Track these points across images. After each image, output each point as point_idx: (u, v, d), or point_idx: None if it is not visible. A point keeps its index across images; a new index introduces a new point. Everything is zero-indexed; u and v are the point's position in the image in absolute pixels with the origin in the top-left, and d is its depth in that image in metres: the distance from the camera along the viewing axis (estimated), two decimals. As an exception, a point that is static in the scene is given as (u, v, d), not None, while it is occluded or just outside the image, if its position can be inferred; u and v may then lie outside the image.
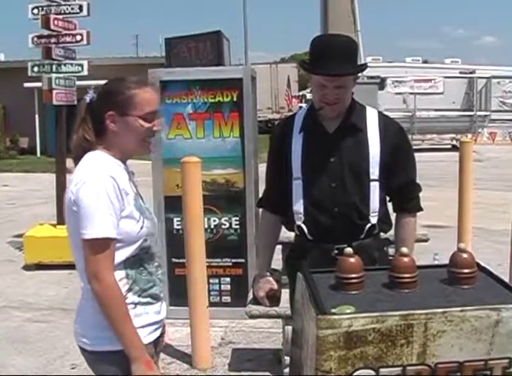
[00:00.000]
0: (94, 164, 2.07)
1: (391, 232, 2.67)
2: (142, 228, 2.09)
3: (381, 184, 2.52)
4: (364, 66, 2.72)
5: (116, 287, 2.01)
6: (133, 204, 2.09)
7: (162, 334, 2.28)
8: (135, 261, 2.10)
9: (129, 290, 2.08)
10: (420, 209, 2.66)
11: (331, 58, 2.42)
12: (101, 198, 1.98)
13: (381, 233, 2.63)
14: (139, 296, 2.10)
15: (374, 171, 2.50)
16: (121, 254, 2.06)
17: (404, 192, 2.61)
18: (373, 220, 2.52)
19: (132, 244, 2.08)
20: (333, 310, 1.81)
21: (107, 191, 2.00)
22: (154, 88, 2.20)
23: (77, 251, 2.06)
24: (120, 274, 2.06)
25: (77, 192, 2.01)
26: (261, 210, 2.85)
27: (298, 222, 2.57)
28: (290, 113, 3.05)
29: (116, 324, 1.99)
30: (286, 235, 3.31)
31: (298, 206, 2.55)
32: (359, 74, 2.79)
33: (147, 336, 2.11)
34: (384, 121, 2.58)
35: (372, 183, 2.50)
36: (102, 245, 1.99)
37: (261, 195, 2.90)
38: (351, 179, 2.50)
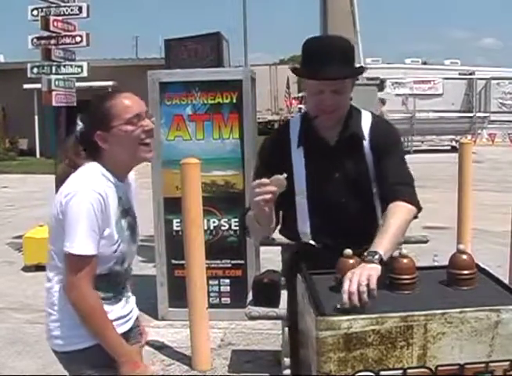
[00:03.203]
0: (86, 178, 2.09)
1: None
2: (115, 251, 2.13)
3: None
4: (362, 69, 2.57)
5: (94, 299, 2.08)
6: (113, 225, 2.11)
7: (132, 328, 2.33)
8: (101, 280, 2.13)
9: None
10: (416, 202, 2.32)
11: (327, 61, 2.26)
12: (87, 214, 2.02)
13: None
14: (102, 293, 2.17)
15: (373, 180, 2.40)
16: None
17: (391, 180, 2.32)
18: (380, 221, 2.44)
19: (102, 264, 2.11)
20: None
21: (94, 208, 2.03)
22: (129, 94, 2.19)
23: (55, 252, 2.14)
24: None
25: (66, 203, 2.04)
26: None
27: (306, 240, 2.44)
28: (292, 116, 2.92)
29: (98, 334, 2.09)
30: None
31: (305, 226, 2.41)
32: (358, 80, 2.65)
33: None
34: (375, 126, 2.43)
35: (375, 191, 2.42)
36: (84, 261, 2.04)
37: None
38: (358, 192, 2.39)
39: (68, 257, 2.05)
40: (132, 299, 2.37)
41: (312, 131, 2.41)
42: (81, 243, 2.02)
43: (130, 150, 2.14)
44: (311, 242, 2.43)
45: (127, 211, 2.22)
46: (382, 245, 2.07)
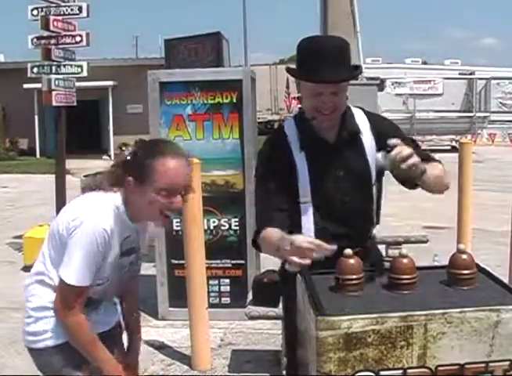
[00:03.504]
0: (99, 209, 2.09)
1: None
2: (99, 285, 2.16)
3: (378, 184, 2.47)
4: (359, 69, 2.52)
5: (82, 324, 2.12)
6: (109, 262, 2.13)
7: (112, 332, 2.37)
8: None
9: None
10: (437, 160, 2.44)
11: (324, 62, 2.22)
12: (91, 247, 2.04)
13: None
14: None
15: (374, 175, 2.42)
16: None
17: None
18: (375, 219, 2.52)
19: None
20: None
21: (98, 243, 2.05)
22: (180, 162, 2.13)
23: (50, 256, 2.16)
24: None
25: (73, 228, 2.05)
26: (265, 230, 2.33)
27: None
28: (283, 120, 2.86)
29: (85, 353, 2.15)
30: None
31: (308, 229, 2.38)
32: (357, 80, 2.64)
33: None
34: (374, 119, 2.46)
35: (373, 187, 2.45)
36: (78, 290, 2.09)
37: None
38: (359, 190, 2.41)
39: (62, 283, 2.09)
40: (111, 308, 2.40)
41: (311, 132, 2.40)
42: (78, 274, 2.06)
43: (149, 212, 2.14)
44: None
45: (132, 250, 2.24)
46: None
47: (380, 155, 2.17)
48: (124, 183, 2.12)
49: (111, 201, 2.13)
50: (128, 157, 2.13)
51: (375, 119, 2.48)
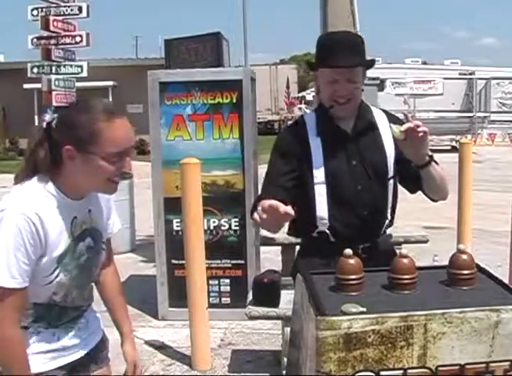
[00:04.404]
0: (21, 198, 1.81)
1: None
2: (51, 282, 1.84)
3: (395, 180, 2.52)
4: (373, 61, 2.60)
5: (12, 342, 1.77)
6: (55, 255, 1.83)
7: (91, 355, 2.08)
8: (41, 309, 1.89)
9: (33, 322, 1.89)
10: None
11: (340, 50, 2.37)
12: (13, 242, 1.73)
13: None
14: (45, 328, 1.92)
15: (391, 170, 2.48)
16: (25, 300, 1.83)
17: None
18: (389, 216, 2.55)
19: (38, 294, 1.85)
20: (342, 307, 1.81)
21: (23, 235, 1.74)
22: (125, 121, 1.86)
23: None
24: (24, 313, 1.85)
25: None
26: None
27: (322, 228, 2.46)
28: (292, 115, 2.98)
29: (6, 370, 1.80)
30: (285, 236, 3.31)
31: (323, 211, 2.43)
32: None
33: (47, 363, 1.92)
34: (393, 119, 2.52)
35: (390, 181, 2.50)
36: (7, 294, 1.74)
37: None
38: (374, 181, 2.46)
39: None
40: (92, 324, 2.09)
41: (329, 121, 2.48)
42: (2, 273, 1.72)
43: (93, 182, 1.87)
44: (326, 231, 2.45)
45: (87, 233, 1.94)
46: None
47: (393, 125, 2.27)
48: (58, 159, 1.83)
49: (35, 187, 1.85)
50: (53, 124, 1.85)
51: (395, 119, 2.53)
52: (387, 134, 2.45)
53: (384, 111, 2.61)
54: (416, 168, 2.37)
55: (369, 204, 2.45)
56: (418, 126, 2.21)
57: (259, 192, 2.62)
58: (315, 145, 2.45)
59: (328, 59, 2.38)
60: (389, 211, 2.54)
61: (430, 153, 2.34)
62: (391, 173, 2.49)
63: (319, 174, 2.43)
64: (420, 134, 2.21)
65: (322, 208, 2.44)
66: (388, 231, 2.60)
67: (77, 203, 1.91)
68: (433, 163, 2.36)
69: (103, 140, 1.79)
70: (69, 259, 1.88)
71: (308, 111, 2.82)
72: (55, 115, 1.87)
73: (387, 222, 2.54)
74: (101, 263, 2.07)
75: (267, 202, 2.05)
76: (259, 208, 2.08)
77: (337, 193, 2.43)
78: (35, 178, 1.87)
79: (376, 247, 2.47)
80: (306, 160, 2.44)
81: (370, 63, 2.55)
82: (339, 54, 2.35)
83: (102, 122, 1.79)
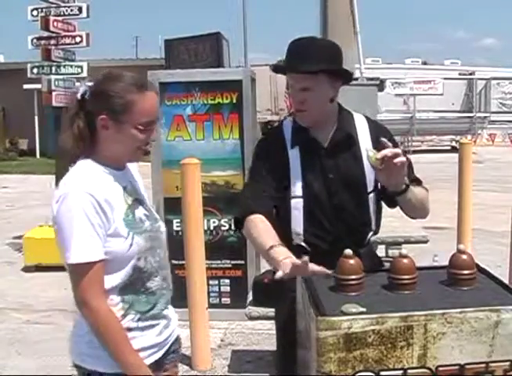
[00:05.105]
0: (75, 179, 1.90)
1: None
2: (131, 245, 1.92)
3: (377, 193, 2.41)
4: (344, 70, 2.39)
5: (106, 311, 1.87)
6: (121, 219, 1.91)
7: (169, 352, 2.10)
8: (130, 283, 1.94)
9: (124, 316, 1.94)
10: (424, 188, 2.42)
11: (300, 56, 2.25)
12: (78, 219, 1.82)
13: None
14: (138, 320, 1.97)
15: (370, 184, 2.37)
16: (114, 278, 1.92)
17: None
18: (374, 227, 2.46)
19: (123, 264, 1.92)
20: (342, 308, 1.81)
21: (85, 210, 1.83)
22: (155, 91, 1.99)
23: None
24: (115, 299, 1.92)
25: (56, 211, 1.86)
26: (253, 217, 2.28)
27: (297, 242, 2.38)
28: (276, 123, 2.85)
29: (111, 349, 1.87)
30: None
31: (298, 226, 2.36)
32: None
33: (145, 359, 1.97)
34: (375, 128, 2.43)
35: (370, 195, 2.39)
36: (86, 269, 1.83)
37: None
38: (350, 194, 2.37)
39: (70, 268, 1.86)
40: (174, 320, 2.13)
41: (304, 131, 2.38)
42: (79, 250, 1.82)
43: (126, 150, 1.96)
44: (302, 244, 2.38)
45: (137, 202, 2.02)
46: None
47: (369, 150, 2.15)
48: (92, 129, 1.92)
49: (85, 166, 1.94)
50: (86, 95, 1.93)
51: (377, 129, 2.44)
52: (367, 145, 2.34)
53: (367, 118, 2.48)
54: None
55: (346, 218, 2.37)
56: (396, 155, 2.07)
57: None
58: (293, 157, 2.36)
59: (286, 64, 2.32)
60: (373, 223, 2.44)
61: (407, 182, 2.21)
62: (370, 187, 2.38)
63: (295, 188, 2.35)
64: (398, 164, 2.08)
65: (297, 223, 2.36)
66: (373, 238, 2.51)
67: (121, 173, 2.01)
68: (411, 187, 2.24)
69: (136, 110, 1.90)
70: (135, 223, 1.96)
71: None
72: (88, 87, 1.95)
73: (370, 233, 2.45)
74: (165, 233, 2.13)
75: (289, 263, 1.96)
76: (282, 268, 1.96)
77: (313, 208, 2.35)
78: (83, 161, 1.95)
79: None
80: (285, 172, 2.34)
81: (339, 72, 2.35)
82: (297, 60, 2.26)
83: (134, 94, 1.90)
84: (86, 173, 1.92)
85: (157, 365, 2.02)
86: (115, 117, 1.90)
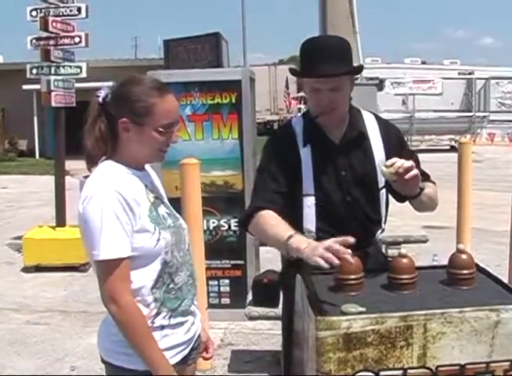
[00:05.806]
0: (100, 179, 1.95)
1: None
2: (158, 240, 1.95)
3: (387, 188, 2.43)
4: (360, 68, 2.54)
5: (133, 308, 1.90)
6: (147, 216, 1.95)
7: (193, 348, 2.14)
8: (159, 279, 1.97)
9: (157, 314, 1.98)
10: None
11: (323, 59, 2.27)
12: (106, 216, 1.86)
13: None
14: (170, 318, 2.00)
15: (382, 180, 2.38)
16: (144, 274, 1.95)
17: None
18: (383, 225, 2.49)
19: (151, 259, 1.96)
20: (342, 307, 1.81)
21: (113, 208, 1.87)
22: (173, 95, 2.02)
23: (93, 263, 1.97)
24: (147, 299, 1.96)
25: (84, 209, 1.90)
26: (262, 212, 2.30)
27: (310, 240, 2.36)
28: (292, 116, 2.88)
29: (136, 346, 1.90)
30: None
31: (310, 224, 2.37)
32: (357, 76, 2.65)
33: (173, 357, 2.00)
34: (385, 125, 2.48)
35: (381, 191, 2.43)
36: (114, 266, 1.87)
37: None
38: (363, 191, 2.40)
39: (98, 265, 1.89)
40: (198, 317, 2.16)
41: (317, 130, 2.41)
42: (108, 247, 1.86)
43: (146, 152, 2.01)
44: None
45: (158, 200, 2.07)
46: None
47: (382, 165, 2.20)
48: (113, 131, 1.96)
49: (108, 166, 1.98)
50: (107, 99, 1.98)
51: (385, 125, 2.48)
52: (377, 142, 2.40)
53: (375, 115, 2.52)
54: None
55: (358, 215, 2.40)
56: (409, 169, 2.12)
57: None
58: (305, 155, 2.38)
59: (310, 69, 2.30)
60: (382, 220, 2.47)
61: (421, 186, 2.27)
62: (381, 183, 2.40)
63: (307, 185, 2.37)
64: (410, 177, 2.13)
65: (309, 221, 2.38)
66: (380, 236, 2.53)
67: (142, 173, 2.05)
68: (424, 191, 2.30)
69: (156, 113, 1.94)
70: (159, 219, 2.00)
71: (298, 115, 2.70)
72: (109, 91, 1.99)
73: (379, 231, 2.48)
74: (187, 230, 2.16)
75: (335, 245, 1.92)
76: (328, 254, 1.90)
77: (326, 205, 2.37)
78: (106, 162, 1.99)
79: (366, 257, 2.32)
80: (296, 170, 2.36)
81: (357, 70, 2.46)
82: (320, 63, 2.26)
83: (156, 97, 1.94)
84: (111, 173, 1.96)
85: (183, 361, 2.06)
86: (136, 120, 1.94)
